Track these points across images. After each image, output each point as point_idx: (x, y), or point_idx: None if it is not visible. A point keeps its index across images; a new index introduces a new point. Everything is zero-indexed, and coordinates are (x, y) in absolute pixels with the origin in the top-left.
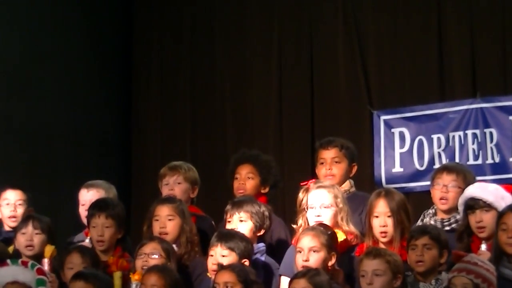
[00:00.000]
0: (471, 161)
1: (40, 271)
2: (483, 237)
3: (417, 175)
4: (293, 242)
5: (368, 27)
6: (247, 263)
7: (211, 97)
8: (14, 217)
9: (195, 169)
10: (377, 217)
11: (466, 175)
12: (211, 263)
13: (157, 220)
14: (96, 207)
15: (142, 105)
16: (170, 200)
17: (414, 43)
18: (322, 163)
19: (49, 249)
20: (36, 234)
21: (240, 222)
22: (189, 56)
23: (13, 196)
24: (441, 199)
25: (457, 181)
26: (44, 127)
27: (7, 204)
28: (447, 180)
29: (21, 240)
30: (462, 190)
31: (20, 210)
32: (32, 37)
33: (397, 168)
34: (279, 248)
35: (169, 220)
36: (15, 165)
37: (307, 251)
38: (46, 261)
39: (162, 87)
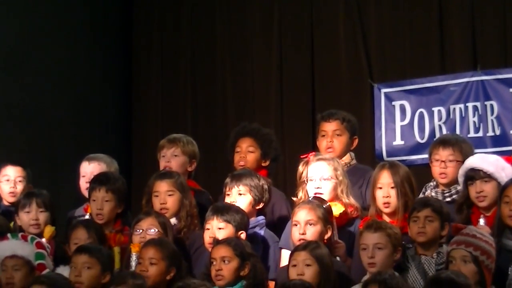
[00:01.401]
0: (472, 134)
1: (40, 245)
2: (483, 207)
3: (418, 148)
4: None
5: (369, 1)
6: (243, 235)
7: (211, 72)
8: (13, 193)
9: (194, 143)
10: (380, 188)
11: (463, 147)
12: (207, 236)
13: (157, 196)
14: (97, 181)
15: (143, 81)
16: (168, 175)
17: (415, 16)
18: (323, 136)
19: (48, 230)
20: (41, 212)
21: (239, 195)
22: (190, 33)
23: (13, 173)
24: (440, 174)
25: (454, 155)
26: (44, 105)
27: (7, 180)
28: (444, 155)
29: (25, 219)
30: (461, 162)
31: (19, 187)
32: (30, 16)
33: (398, 141)
34: (280, 222)
35: (169, 195)
36: (15, 143)
37: (304, 224)
38: (44, 241)
39: (163, 64)
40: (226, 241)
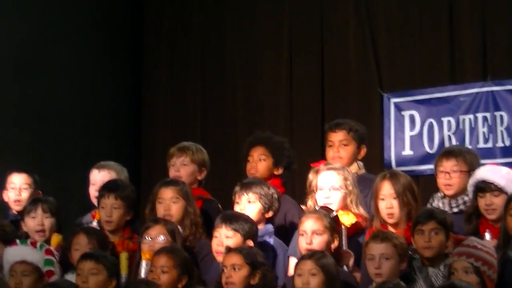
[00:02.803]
0: (481, 144)
1: (49, 252)
2: (492, 219)
3: (427, 158)
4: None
5: (379, 10)
6: (251, 244)
7: (221, 79)
8: (18, 201)
9: (204, 151)
10: (383, 199)
11: (466, 157)
12: (215, 245)
13: (161, 203)
14: (106, 188)
15: (153, 88)
16: (173, 182)
17: (425, 25)
18: (330, 146)
19: (56, 238)
20: (46, 217)
21: (249, 203)
22: (200, 38)
23: (18, 180)
24: (445, 185)
25: (458, 165)
26: (53, 109)
27: (13, 188)
28: (448, 166)
29: (31, 224)
30: (466, 172)
31: (25, 194)
32: (41, 17)
33: (407, 151)
34: (292, 230)
35: (173, 202)
36: (23, 148)
37: (310, 234)
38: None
39: (173, 72)
40: (238, 249)
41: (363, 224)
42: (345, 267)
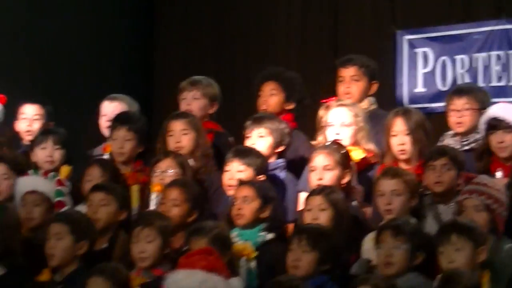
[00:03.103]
0: (494, 83)
1: (60, 182)
2: (503, 157)
3: (439, 96)
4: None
5: None
6: (262, 179)
7: (234, 13)
8: (29, 131)
9: (216, 85)
10: (395, 135)
11: (478, 95)
12: (227, 178)
13: (172, 135)
14: (119, 119)
15: (165, 21)
16: (183, 115)
17: None
18: (341, 81)
19: (65, 170)
20: (56, 149)
21: (260, 138)
22: None
23: (30, 111)
24: (456, 123)
25: (469, 103)
26: (66, 41)
27: (24, 118)
28: (459, 104)
29: (40, 155)
30: (477, 110)
31: (36, 125)
32: None
33: (420, 88)
34: (303, 165)
35: (184, 134)
36: (36, 79)
37: (321, 169)
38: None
39: (186, 5)
40: (250, 182)
41: (373, 160)
42: (353, 202)
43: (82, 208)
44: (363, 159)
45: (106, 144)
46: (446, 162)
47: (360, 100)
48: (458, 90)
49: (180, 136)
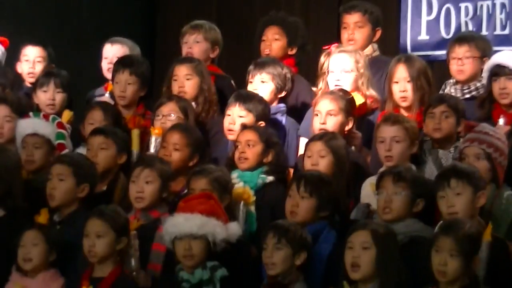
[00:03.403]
0: (498, 31)
1: (61, 125)
2: (505, 104)
3: (442, 43)
4: (313, 104)
5: None
6: (263, 125)
7: None
8: (32, 73)
9: (217, 29)
10: (396, 82)
11: (479, 42)
12: (227, 123)
13: (176, 80)
14: (121, 63)
15: None
16: (188, 59)
17: None
18: (345, 28)
19: (67, 115)
20: (58, 92)
21: (262, 83)
22: None
23: (32, 53)
24: (457, 71)
25: (471, 51)
26: None
27: (26, 60)
28: (460, 52)
29: (42, 98)
30: (478, 58)
31: (38, 67)
32: None
33: (423, 36)
34: (304, 110)
35: (187, 79)
36: (38, 21)
37: (325, 115)
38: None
39: None
40: (253, 127)
41: (374, 105)
42: (352, 148)
43: (82, 150)
44: (363, 104)
45: (107, 83)
46: (445, 109)
47: (364, 46)
48: (459, 38)
49: (183, 80)
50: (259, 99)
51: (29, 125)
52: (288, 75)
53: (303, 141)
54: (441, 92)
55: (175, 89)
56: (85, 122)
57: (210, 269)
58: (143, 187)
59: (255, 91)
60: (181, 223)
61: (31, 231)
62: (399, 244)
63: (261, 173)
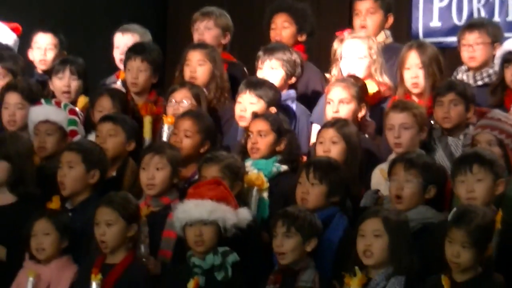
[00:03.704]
0: (511, 18)
1: (73, 112)
2: None
3: (455, 30)
4: (325, 91)
5: None
6: (274, 111)
7: None
8: (43, 61)
9: (228, 15)
10: (408, 69)
11: (489, 29)
12: (239, 110)
13: (188, 65)
14: (133, 50)
15: None
16: (202, 45)
17: None
18: (357, 14)
19: (82, 101)
20: (73, 79)
21: (271, 69)
22: None
23: (43, 40)
24: (469, 58)
25: (481, 37)
26: None
27: (38, 48)
28: (471, 39)
29: (58, 85)
30: (488, 44)
31: (50, 54)
32: None
33: (435, 22)
34: (314, 97)
35: (200, 65)
36: (49, 8)
37: (337, 103)
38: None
39: None
40: (264, 115)
41: (387, 93)
42: (366, 136)
43: (93, 137)
44: (377, 92)
45: (120, 71)
46: (453, 97)
47: (376, 33)
48: (469, 25)
49: (196, 66)
50: (269, 85)
51: (41, 112)
52: (298, 61)
53: (315, 128)
54: (452, 78)
55: (187, 74)
56: (94, 109)
57: (222, 255)
58: (153, 174)
59: (265, 78)
60: (191, 209)
61: (42, 221)
62: (411, 231)
63: (275, 162)
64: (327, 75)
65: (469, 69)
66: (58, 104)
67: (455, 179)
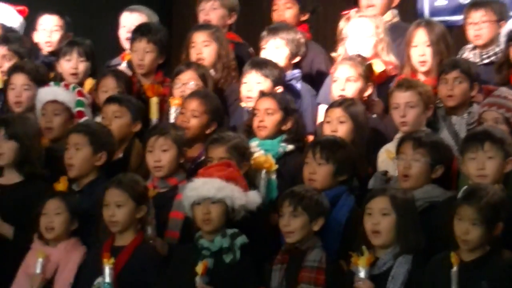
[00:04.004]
0: None
1: (80, 93)
2: None
3: (460, 8)
4: (331, 70)
5: None
6: (280, 90)
7: None
8: (49, 43)
9: None
10: (415, 46)
11: (494, 6)
12: (245, 90)
13: (193, 47)
14: (139, 31)
15: None
16: (206, 26)
17: None
18: None
19: (89, 83)
20: (81, 61)
21: (276, 49)
22: None
23: (49, 22)
24: (475, 36)
25: (487, 15)
26: None
27: (43, 29)
28: (476, 17)
29: (65, 67)
30: (495, 22)
31: (55, 36)
32: None
33: (441, 1)
34: (318, 76)
35: (205, 46)
36: None
37: (344, 81)
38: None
39: None
40: (271, 94)
41: (393, 72)
42: (374, 115)
43: (99, 119)
44: (383, 71)
45: (124, 53)
46: (458, 75)
47: (383, 12)
48: (475, 3)
49: (201, 47)
50: (274, 65)
51: (49, 92)
52: (302, 40)
53: (322, 108)
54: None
55: (193, 56)
56: (98, 90)
57: (230, 237)
58: (160, 156)
59: (269, 57)
60: (200, 187)
61: (54, 200)
62: (418, 209)
63: (281, 142)
64: (333, 54)
65: (475, 47)
66: (66, 86)
67: (464, 156)
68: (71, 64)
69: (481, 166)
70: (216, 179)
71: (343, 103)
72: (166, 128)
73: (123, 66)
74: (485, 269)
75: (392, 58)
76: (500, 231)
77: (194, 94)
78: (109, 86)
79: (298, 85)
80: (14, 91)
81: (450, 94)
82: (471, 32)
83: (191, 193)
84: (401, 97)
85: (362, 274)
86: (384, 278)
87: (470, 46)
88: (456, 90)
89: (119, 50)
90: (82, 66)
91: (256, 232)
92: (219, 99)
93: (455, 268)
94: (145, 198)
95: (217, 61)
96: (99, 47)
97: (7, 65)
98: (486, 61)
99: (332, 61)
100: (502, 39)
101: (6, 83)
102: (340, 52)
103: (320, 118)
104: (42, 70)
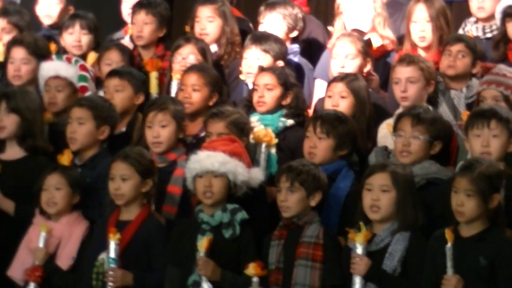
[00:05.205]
0: None
1: (83, 68)
2: None
3: None
4: (328, 45)
5: None
6: (281, 64)
7: None
8: (49, 16)
9: None
10: (415, 22)
11: None
12: (246, 66)
13: (198, 21)
14: (138, 3)
15: None
16: (210, 1)
17: None
18: None
19: (92, 57)
20: (84, 34)
21: (273, 23)
22: None
23: None
24: (478, 8)
25: None
26: None
27: (43, 2)
28: None
29: (68, 40)
30: None
31: (55, 9)
32: None
33: None
34: (316, 50)
35: (209, 21)
36: None
37: (343, 58)
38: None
39: None
40: (271, 69)
41: (390, 47)
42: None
43: (101, 93)
44: (380, 46)
45: (127, 26)
46: (462, 48)
47: None
48: None
49: (205, 23)
50: (275, 39)
51: (51, 67)
52: (300, 15)
53: (319, 83)
54: (460, 30)
55: (197, 30)
56: (101, 63)
57: (230, 212)
58: (158, 131)
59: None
60: (203, 160)
61: (54, 175)
62: (416, 186)
63: (281, 116)
64: (330, 28)
65: (477, 20)
66: (69, 60)
67: (469, 132)
68: (73, 37)
69: (485, 143)
70: (220, 153)
71: (345, 78)
72: (165, 103)
73: (126, 40)
74: (483, 245)
75: (389, 33)
76: (497, 204)
77: (191, 69)
78: (113, 59)
79: (297, 59)
80: (13, 65)
81: (452, 65)
82: (474, 4)
83: (194, 165)
84: (402, 72)
85: (359, 250)
86: (381, 254)
87: (472, 19)
88: (458, 62)
89: (122, 24)
90: (85, 39)
91: (256, 208)
92: (221, 75)
93: (449, 244)
94: (151, 172)
95: (221, 36)
96: (102, 21)
97: (6, 37)
98: (489, 35)
99: (329, 35)
100: (498, 15)
101: (6, 56)
102: (337, 26)
103: (317, 92)
104: (41, 43)
